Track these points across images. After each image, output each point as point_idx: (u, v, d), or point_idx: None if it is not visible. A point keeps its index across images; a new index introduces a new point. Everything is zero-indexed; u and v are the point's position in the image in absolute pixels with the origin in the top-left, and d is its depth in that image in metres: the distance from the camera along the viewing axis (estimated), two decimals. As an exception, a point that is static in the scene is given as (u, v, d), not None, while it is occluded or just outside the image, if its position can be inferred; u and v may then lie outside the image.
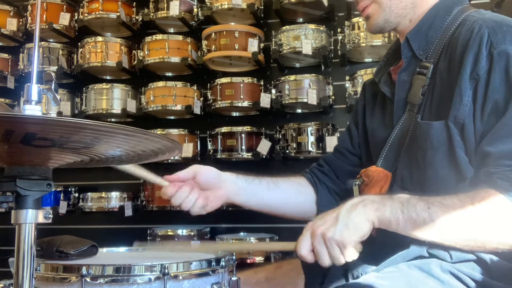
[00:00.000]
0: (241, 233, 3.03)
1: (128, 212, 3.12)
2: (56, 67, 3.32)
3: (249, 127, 3.05)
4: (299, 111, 3.18)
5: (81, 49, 3.30)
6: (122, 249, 1.23)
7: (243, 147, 3.00)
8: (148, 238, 2.98)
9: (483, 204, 0.94)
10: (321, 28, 2.99)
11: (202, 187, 1.27)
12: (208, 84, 3.13)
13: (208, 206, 1.27)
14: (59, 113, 3.20)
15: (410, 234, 0.98)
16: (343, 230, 0.97)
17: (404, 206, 0.97)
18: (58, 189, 3.21)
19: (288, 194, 1.38)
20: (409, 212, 0.97)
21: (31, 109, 0.75)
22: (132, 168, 1.17)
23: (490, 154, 0.97)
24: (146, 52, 3.17)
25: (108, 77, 3.51)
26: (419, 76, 1.13)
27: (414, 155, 1.12)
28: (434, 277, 0.97)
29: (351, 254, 0.98)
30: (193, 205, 1.24)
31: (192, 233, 2.97)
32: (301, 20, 3.19)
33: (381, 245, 1.09)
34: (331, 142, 2.82)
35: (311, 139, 2.89)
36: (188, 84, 3.15)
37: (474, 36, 1.03)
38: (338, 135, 2.90)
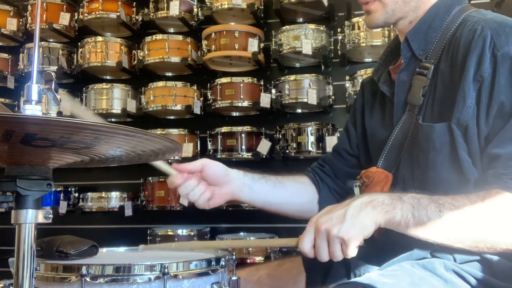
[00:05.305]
0: (241, 233, 3.03)
1: (128, 212, 3.12)
2: (56, 67, 3.32)
3: (249, 127, 3.05)
4: (299, 111, 3.19)
5: (81, 49, 3.31)
6: (122, 249, 1.23)
7: (243, 147, 3.00)
8: (148, 238, 2.98)
9: (494, 205, 0.93)
10: (321, 28, 2.99)
11: (208, 182, 1.25)
12: (208, 84, 3.14)
13: (211, 201, 1.25)
14: (59, 113, 3.20)
15: (418, 236, 0.97)
16: (350, 229, 0.95)
17: (415, 208, 0.95)
18: (58, 189, 3.21)
19: (293, 193, 1.37)
20: (420, 215, 0.95)
21: (31, 109, 0.75)
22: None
23: (499, 156, 0.97)
24: (146, 52, 3.18)
25: (108, 77, 3.51)
26: (419, 76, 1.13)
27: (415, 156, 1.11)
28: (437, 275, 0.97)
29: (352, 252, 0.97)
30: (199, 197, 1.22)
31: (192, 233, 2.97)
32: (301, 20, 3.19)
33: (383, 247, 1.09)
34: (331, 142, 2.82)
35: (311, 139, 2.89)
36: (188, 84, 3.15)
37: (476, 37, 1.02)
38: (338, 135, 2.89)
